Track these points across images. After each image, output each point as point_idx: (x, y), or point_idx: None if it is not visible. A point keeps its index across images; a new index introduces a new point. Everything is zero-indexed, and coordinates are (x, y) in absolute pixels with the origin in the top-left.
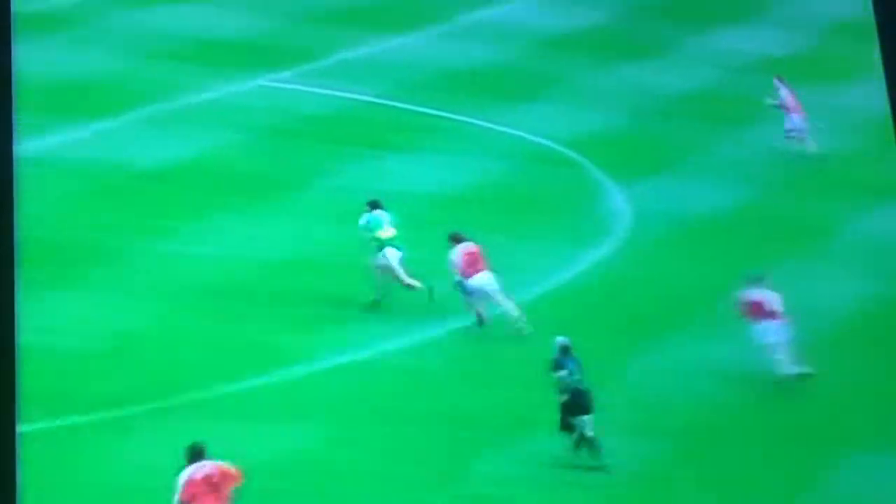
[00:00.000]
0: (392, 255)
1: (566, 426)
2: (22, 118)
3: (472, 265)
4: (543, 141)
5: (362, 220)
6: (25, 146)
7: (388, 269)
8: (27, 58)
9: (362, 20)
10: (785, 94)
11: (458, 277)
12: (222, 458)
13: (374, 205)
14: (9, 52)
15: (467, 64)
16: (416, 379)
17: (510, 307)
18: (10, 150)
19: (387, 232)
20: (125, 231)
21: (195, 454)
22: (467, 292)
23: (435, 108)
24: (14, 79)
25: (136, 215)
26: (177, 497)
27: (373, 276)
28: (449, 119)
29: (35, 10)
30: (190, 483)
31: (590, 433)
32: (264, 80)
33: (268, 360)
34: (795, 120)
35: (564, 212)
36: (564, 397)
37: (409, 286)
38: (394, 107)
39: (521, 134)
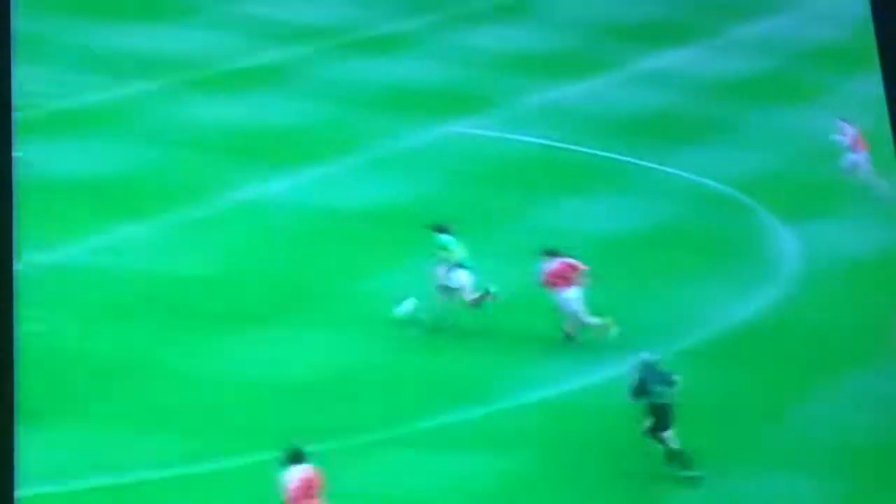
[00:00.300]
0: (463, 277)
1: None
2: (242, 166)
3: (562, 277)
4: (714, 184)
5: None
6: (246, 191)
7: (449, 291)
8: (250, 111)
9: (541, 68)
10: (849, 132)
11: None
12: (421, 489)
13: (441, 229)
14: (8, 78)
15: (640, 109)
16: (606, 416)
17: (593, 321)
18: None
19: (457, 253)
20: (329, 270)
21: (295, 457)
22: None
23: (610, 151)
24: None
25: (341, 256)
26: (286, 494)
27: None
28: (623, 162)
29: (250, 66)
30: (296, 484)
31: (674, 446)
32: (454, 127)
33: (464, 394)
34: (861, 156)
35: (735, 253)
36: (651, 406)
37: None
38: (572, 150)
39: (693, 177)
